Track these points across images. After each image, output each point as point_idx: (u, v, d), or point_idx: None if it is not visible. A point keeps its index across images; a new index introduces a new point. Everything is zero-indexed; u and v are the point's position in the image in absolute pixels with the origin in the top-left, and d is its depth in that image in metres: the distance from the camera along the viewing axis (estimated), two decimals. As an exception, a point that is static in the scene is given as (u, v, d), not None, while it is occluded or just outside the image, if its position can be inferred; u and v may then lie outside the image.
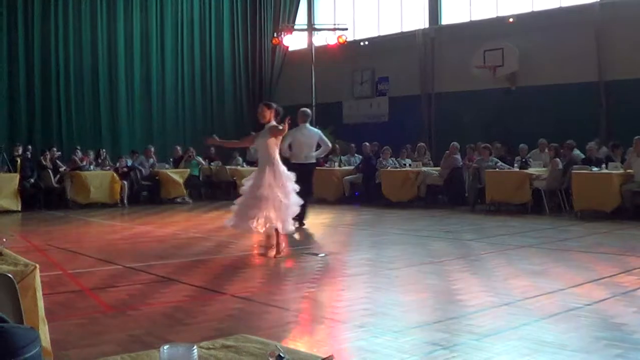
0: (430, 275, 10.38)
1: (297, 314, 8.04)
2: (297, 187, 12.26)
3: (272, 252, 12.07)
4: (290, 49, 31.02)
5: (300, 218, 14.64)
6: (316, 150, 16.62)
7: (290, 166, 13.80)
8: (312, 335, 7.27)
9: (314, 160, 16.76)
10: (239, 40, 31.91)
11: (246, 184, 12.33)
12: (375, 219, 18.46)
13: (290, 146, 15.96)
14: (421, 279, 10.14)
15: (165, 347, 2.44)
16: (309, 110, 17.37)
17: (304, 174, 14.89)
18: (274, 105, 12.92)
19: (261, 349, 3.02)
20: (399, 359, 6.14)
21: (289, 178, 12.12)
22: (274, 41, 29.81)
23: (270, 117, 12.49)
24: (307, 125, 16.61)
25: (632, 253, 12.07)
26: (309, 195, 16.12)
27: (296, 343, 6.65)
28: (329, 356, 2.60)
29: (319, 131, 17.10)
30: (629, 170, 17.71)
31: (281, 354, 2.57)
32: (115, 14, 28.48)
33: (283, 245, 12.23)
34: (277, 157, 12.29)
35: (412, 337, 6.82)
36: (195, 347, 2.43)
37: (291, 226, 12.27)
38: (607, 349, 6.34)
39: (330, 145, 17.39)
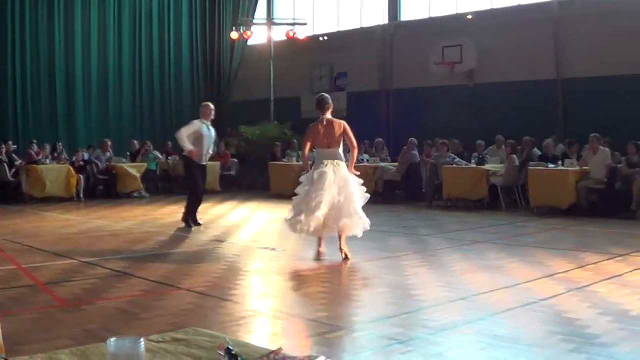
0: (387, 270, 10.38)
1: (253, 309, 8.00)
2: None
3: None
4: (249, 43, 30.93)
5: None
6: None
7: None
8: (267, 329, 7.26)
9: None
10: (197, 35, 31.76)
11: None
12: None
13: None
14: (378, 274, 10.15)
15: (112, 340, 2.41)
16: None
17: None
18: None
19: (211, 342, 3.00)
20: (354, 354, 6.13)
21: None
22: (234, 37, 29.68)
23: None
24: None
25: (586, 249, 12.14)
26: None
27: (251, 337, 6.62)
28: (278, 349, 2.58)
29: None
30: (584, 168, 17.84)
31: (230, 347, 2.55)
32: (73, 6, 28.20)
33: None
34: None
35: (368, 332, 6.82)
36: (142, 340, 2.40)
37: None
38: (561, 343, 6.37)
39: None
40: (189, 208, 15.33)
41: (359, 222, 11.17)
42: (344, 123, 11.65)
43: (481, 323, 7.14)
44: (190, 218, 15.27)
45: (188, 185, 15.77)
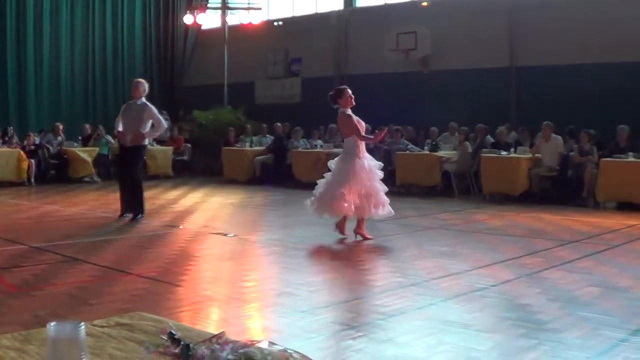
0: (339, 256, 10.40)
1: (203, 294, 7.95)
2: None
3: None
4: (203, 27, 30.75)
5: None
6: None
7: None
8: (218, 314, 7.21)
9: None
10: (151, 18, 31.46)
11: None
12: (285, 200, 18.44)
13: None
14: (330, 259, 10.16)
15: (52, 324, 2.36)
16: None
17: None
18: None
19: (155, 326, 2.97)
20: (305, 339, 6.10)
21: None
22: (186, 20, 29.51)
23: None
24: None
25: (537, 236, 12.24)
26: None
27: (200, 323, 6.58)
28: (220, 332, 2.55)
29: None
30: (537, 155, 17.99)
31: (172, 332, 2.51)
32: (25, -12, 27.84)
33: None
34: None
35: (319, 317, 6.80)
36: (82, 324, 2.35)
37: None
38: (511, 328, 6.40)
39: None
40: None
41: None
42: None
43: (432, 308, 7.15)
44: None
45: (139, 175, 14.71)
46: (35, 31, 28.02)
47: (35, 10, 27.97)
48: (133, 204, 14.21)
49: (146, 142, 14.75)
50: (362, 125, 12.32)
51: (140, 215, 14.09)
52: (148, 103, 14.27)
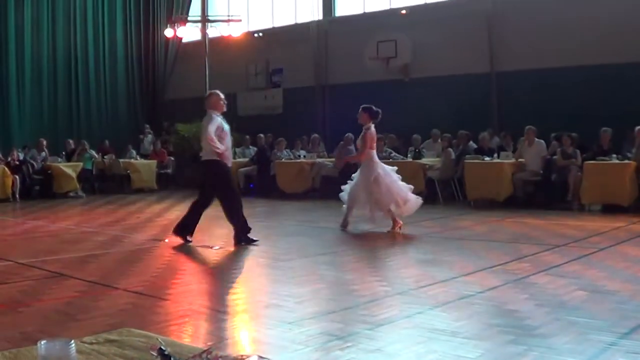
0: (325, 266, 10.36)
1: (190, 308, 7.91)
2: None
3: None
4: (184, 40, 30.73)
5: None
6: None
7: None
8: (204, 328, 7.17)
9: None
10: (132, 33, 31.48)
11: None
12: (270, 211, 18.40)
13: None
14: (316, 270, 10.11)
15: (43, 342, 2.35)
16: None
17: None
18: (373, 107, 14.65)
19: (144, 342, 2.95)
20: (293, 350, 6.08)
21: None
22: (167, 34, 29.53)
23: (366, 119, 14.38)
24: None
25: (523, 241, 12.24)
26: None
27: (188, 336, 6.55)
28: (209, 347, 2.53)
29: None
30: (520, 160, 18.04)
31: (162, 347, 2.49)
32: (6, 4, 27.76)
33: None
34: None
35: (307, 328, 6.77)
36: (72, 341, 2.34)
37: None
38: (500, 335, 6.39)
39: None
40: (238, 220, 12.62)
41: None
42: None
43: (419, 317, 7.13)
44: (242, 234, 12.56)
45: (223, 194, 12.68)
46: (17, 46, 28.04)
47: (17, 24, 27.97)
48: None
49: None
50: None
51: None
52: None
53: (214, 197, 12.81)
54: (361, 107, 14.57)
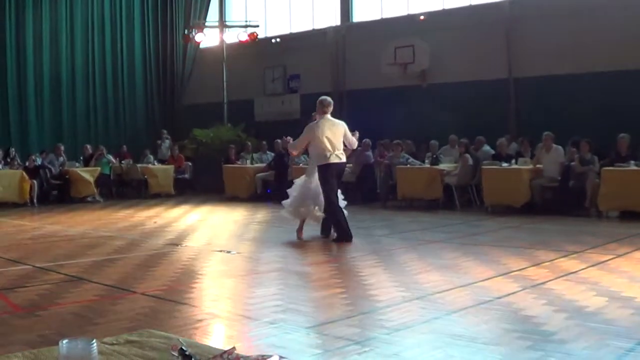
0: (343, 270, 10.37)
1: (208, 312, 7.92)
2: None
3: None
4: (201, 46, 30.77)
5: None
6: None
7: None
8: (223, 332, 7.19)
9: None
10: (149, 37, 31.51)
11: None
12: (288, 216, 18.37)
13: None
14: (333, 274, 10.11)
15: (64, 341, 2.35)
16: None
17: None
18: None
19: (164, 343, 2.96)
20: (310, 355, 6.08)
21: None
22: (184, 39, 29.60)
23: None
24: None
25: (541, 247, 12.21)
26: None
27: (206, 340, 6.56)
28: (231, 348, 2.53)
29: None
30: (538, 166, 17.99)
31: (183, 347, 2.50)
32: (24, 11, 27.85)
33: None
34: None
35: (324, 333, 6.77)
36: (94, 341, 2.35)
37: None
38: (517, 341, 6.37)
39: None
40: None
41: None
42: None
43: (437, 322, 7.12)
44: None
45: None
46: (35, 52, 28.12)
47: (35, 31, 28.06)
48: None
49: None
50: None
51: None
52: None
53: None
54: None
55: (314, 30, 27.92)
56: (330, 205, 13.15)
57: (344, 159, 13.56)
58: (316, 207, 13.62)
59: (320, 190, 13.26)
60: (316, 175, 13.37)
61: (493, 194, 18.09)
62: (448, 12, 23.87)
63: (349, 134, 13.56)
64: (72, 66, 29.24)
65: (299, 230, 13.75)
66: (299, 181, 14.10)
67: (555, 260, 10.71)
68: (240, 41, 27.56)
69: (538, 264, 10.40)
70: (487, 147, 20.35)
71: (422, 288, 8.78)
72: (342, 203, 13.66)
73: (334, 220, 13.33)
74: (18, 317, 7.71)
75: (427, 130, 22.38)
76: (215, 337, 6.92)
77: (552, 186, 17.76)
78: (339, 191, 13.60)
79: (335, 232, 13.35)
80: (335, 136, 13.31)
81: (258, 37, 27.60)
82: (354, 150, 15.61)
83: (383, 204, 20.05)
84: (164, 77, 31.77)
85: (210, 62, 29.61)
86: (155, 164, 25.61)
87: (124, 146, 26.55)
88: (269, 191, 22.89)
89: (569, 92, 20.50)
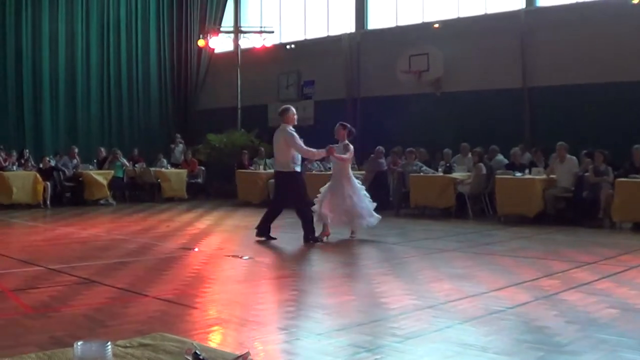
0: (354, 278, 10.37)
1: (220, 316, 7.93)
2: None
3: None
4: (216, 51, 30.82)
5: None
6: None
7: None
8: (234, 337, 7.18)
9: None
10: (165, 42, 31.61)
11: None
12: (299, 223, 18.35)
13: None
14: (345, 282, 10.11)
15: (79, 343, 2.35)
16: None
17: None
18: (348, 125, 15.53)
19: (178, 347, 2.96)
20: (321, 362, 6.08)
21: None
22: (199, 44, 29.65)
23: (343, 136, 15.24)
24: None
25: (554, 257, 12.18)
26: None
27: (217, 345, 6.55)
28: (245, 353, 2.53)
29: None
30: (551, 176, 17.92)
31: (197, 352, 2.50)
32: (40, 14, 27.99)
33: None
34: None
35: (335, 340, 6.77)
36: (109, 343, 2.34)
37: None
38: (529, 351, 6.36)
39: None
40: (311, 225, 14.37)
41: None
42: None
43: (449, 331, 7.11)
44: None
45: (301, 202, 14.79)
46: (51, 55, 28.25)
47: (51, 35, 28.20)
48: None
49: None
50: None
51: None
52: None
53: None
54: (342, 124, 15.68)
55: (328, 36, 27.95)
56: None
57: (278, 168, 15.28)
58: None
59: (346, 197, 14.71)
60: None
61: (506, 204, 18.04)
62: (463, 21, 23.85)
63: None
64: (88, 68, 29.36)
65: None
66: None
67: (568, 271, 10.68)
68: (254, 48, 27.60)
69: (550, 275, 10.37)
70: (500, 157, 20.32)
71: (434, 297, 8.76)
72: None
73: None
74: (30, 318, 7.74)
75: (440, 138, 22.38)
76: (226, 342, 6.91)
77: (565, 196, 17.70)
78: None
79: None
80: None
81: (273, 43, 27.64)
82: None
83: (396, 211, 20.01)
84: (179, 81, 31.84)
85: (225, 67, 29.67)
86: (169, 167, 25.65)
87: (135, 149, 26.61)
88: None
89: (584, 102, 20.44)
